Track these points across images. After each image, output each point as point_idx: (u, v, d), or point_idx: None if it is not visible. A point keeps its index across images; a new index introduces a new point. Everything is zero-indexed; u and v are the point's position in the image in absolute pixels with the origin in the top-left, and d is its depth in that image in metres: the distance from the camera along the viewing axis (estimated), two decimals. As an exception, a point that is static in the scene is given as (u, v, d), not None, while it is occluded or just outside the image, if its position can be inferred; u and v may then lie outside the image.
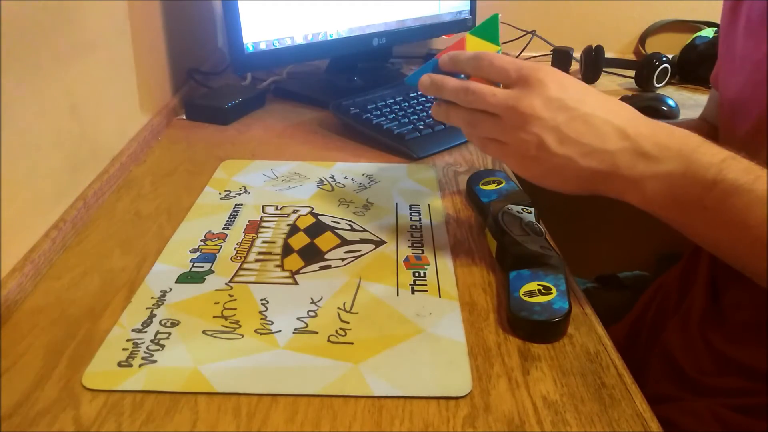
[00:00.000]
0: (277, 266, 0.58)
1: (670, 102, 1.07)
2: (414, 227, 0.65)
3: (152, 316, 0.50)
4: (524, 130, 0.48)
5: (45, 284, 0.55)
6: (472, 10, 1.23)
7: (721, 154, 0.46)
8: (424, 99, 0.96)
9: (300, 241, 0.62)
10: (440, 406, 0.43)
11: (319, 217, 0.67)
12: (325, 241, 0.62)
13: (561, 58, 1.30)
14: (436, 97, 0.55)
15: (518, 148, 0.49)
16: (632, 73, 1.21)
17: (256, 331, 0.49)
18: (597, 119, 0.48)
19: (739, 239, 0.45)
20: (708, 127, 0.76)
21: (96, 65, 0.71)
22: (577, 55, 1.27)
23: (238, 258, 0.59)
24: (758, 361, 0.56)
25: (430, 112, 0.90)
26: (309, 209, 0.68)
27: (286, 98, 1.07)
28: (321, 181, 0.75)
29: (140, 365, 0.45)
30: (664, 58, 1.17)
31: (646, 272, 0.92)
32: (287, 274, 0.57)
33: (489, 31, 0.55)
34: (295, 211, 0.68)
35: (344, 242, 0.62)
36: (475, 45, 0.56)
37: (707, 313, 0.64)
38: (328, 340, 0.48)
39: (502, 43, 1.35)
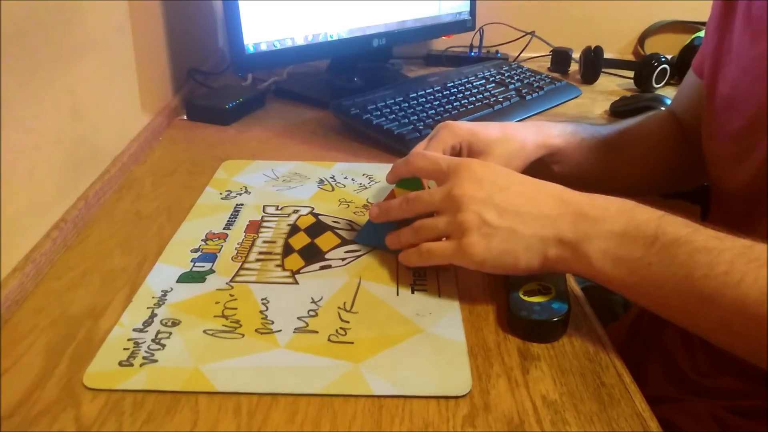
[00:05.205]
0: (277, 266, 0.58)
1: (669, 102, 1.07)
2: (414, 227, 0.65)
3: (153, 315, 0.51)
4: (463, 211, 0.50)
5: (46, 284, 0.55)
6: (472, 11, 1.24)
7: (657, 212, 0.47)
8: (424, 99, 0.96)
9: (300, 240, 0.62)
10: (440, 406, 0.43)
11: (320, 217, 0.67)
12: (325, 240, 0.62)
13: (560, 59, 1.30)
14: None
15: (461, 232, 0.50)
16: (631, 73, 1.21)
17: (256, 330, 0.49)
18: (529, 191, 0.51)
19: (685, 294, 0.44)
20: (675, 123, 0.74)
21: (96, 65, 0.71)
22: (576, 55, 1.27)
23: (239, 258, 0.59)
24: (752, 363, 0.56)
25: (429, 113, 0.91)
26: (309, 209, 0.68)
27: (287, 98, 1.07)
28: (321, 181, 0.75)
29: (141, 365, 0.45)
30: (663, 59, 1.17)
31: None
32: (288, 273, 0.57)
33: (416, 183, 0.57)
34: (295, 211, 0.68)
35: (344, 242, 0.62)
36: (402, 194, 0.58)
37: None
38: (329, 340, 0.48)
39: (503, 44, 1.36)
